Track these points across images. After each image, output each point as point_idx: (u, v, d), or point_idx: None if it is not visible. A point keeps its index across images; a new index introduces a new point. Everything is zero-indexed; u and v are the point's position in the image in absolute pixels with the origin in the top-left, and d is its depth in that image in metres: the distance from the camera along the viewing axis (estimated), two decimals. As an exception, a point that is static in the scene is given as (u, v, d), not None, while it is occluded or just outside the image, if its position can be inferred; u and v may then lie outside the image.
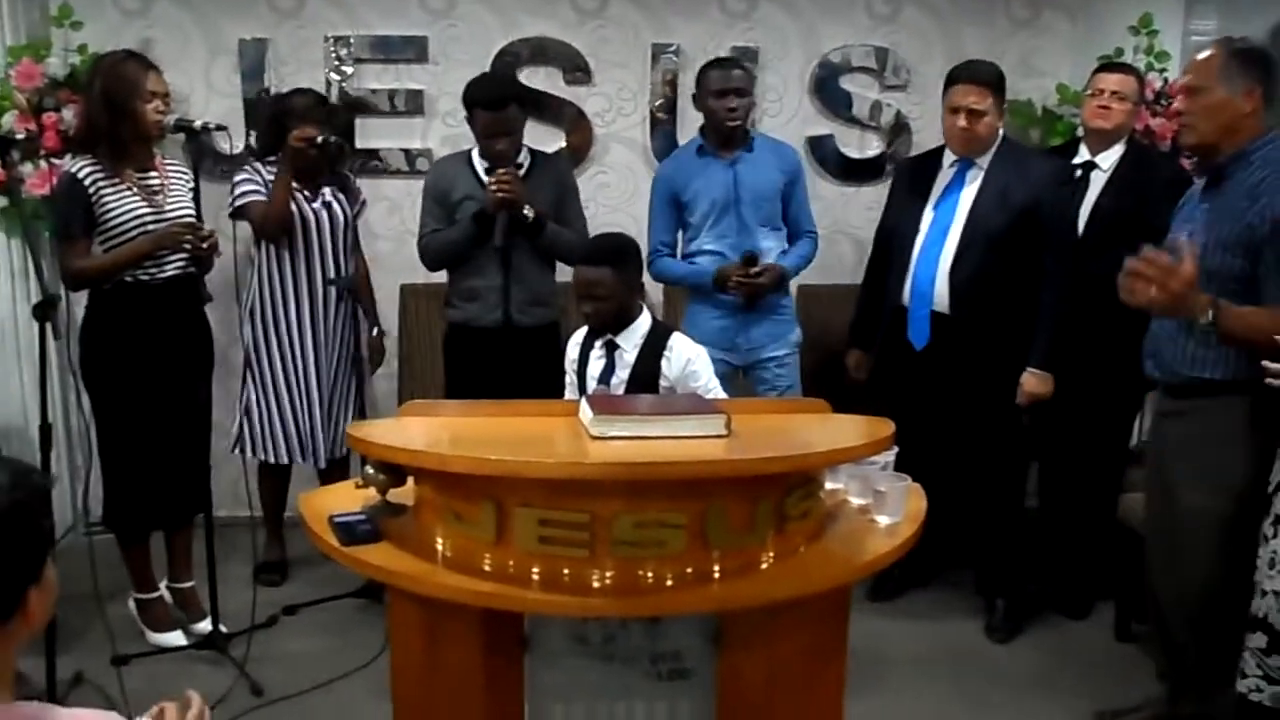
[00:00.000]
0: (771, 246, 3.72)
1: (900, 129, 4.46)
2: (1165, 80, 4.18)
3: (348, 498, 2.24)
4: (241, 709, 3.13)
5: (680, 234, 3.81)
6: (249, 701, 3.17)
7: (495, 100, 3.48)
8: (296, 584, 3.93)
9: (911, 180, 3.68)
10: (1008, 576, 3.68)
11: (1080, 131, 3.84)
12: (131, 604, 3.55)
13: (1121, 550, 3.45)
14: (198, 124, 3.23)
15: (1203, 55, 2.69)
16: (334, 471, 3.82)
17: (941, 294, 3.49)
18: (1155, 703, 3.06)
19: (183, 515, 3.54)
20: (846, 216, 4.46)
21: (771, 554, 2.04)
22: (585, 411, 2.11)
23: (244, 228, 3.70)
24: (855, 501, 2.28)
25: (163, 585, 3.61)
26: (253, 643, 3.39)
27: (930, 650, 3.56)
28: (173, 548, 3.61)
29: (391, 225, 4.29)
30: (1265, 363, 2.40)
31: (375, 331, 3.94)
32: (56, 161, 3.85)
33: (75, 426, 4.09)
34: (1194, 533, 2.73)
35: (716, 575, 1.98)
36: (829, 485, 2.28)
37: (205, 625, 3.47)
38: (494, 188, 3.40)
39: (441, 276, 3.81)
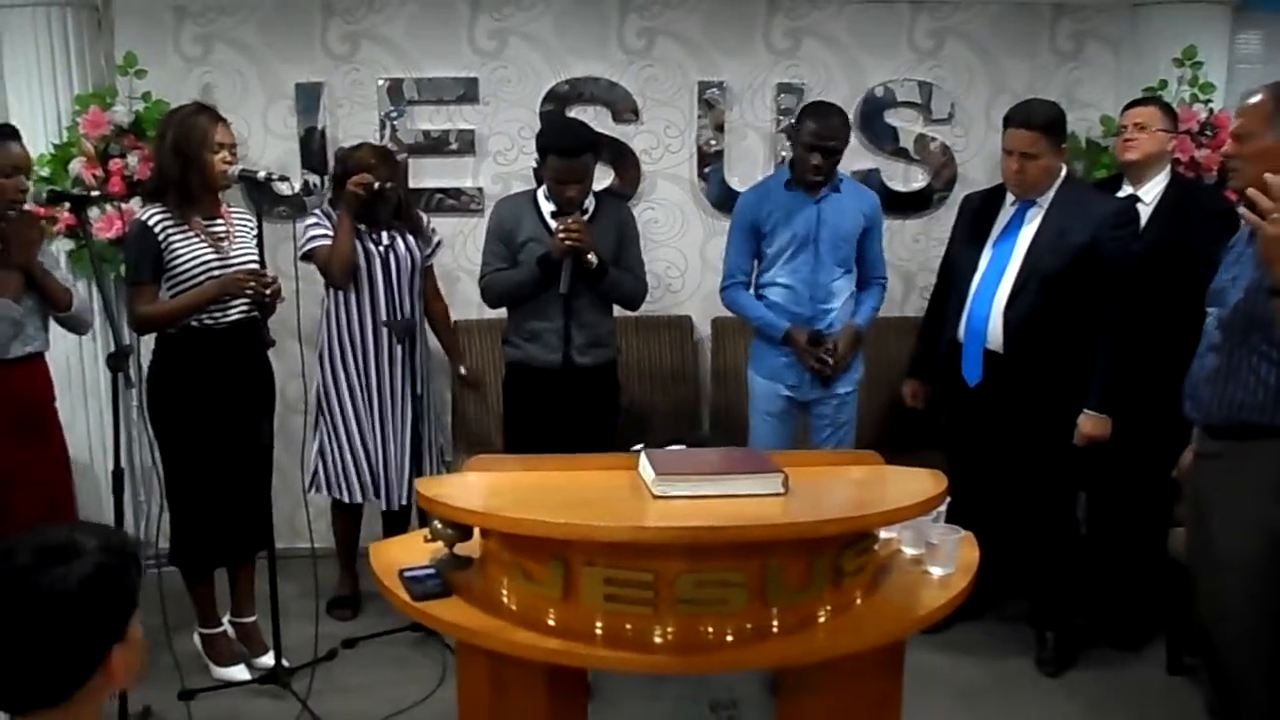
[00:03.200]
0: (842, 287, 3.78)
1: (945, 162, 4.49)
2: (1210, 111, 4.19)
3: (416, 550, 2.32)
4: (306, 743, 3.22)
5: (756, 263, 3.86)
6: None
7: (571, 148, 3.52)
8: (358, 616, 4.02)
9: (974, 217, 3.71)
10: (1059, 609, 3.70)
11: (1121, 166, 3.87)
12: (196, 638, 3.64)
13: (1172, 583, 3.46)
14: (261, 175, 3.33)
15: (1251, 101, 2.69)
16: (399, 511, 3.95)
17: (995, 332, 3.52)
18: (1207, 739, 3.08)
19: (246, 552, 3.64)
20: (894, 249, 4.49)
21: (829, 608, 2.09)
22: (646, 469, 2.18)
23: (306, 269, 3.80)
24: (909, 552, 2.33)
25: (225, 620, 3.71)
26: (314, 676, 3.48)
27: (981, 682, 3.59)
28: (236, 583, 3.70)
29: (446, 261, 4.37)
30: None
31: (463, 370, 4.06)
32: (124, 206, 3.98)
33: (139, 462, 4.21)
34: (1232, 574, 2.75)
35: (775, 630, 2.04)
36: (883, 535, 2.33)
37: (268, 659, 3.55)
38: (562, 235, 3.45)
39: (496, 312, 3.90)
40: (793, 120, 3.99)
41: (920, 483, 2.24)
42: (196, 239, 3.37)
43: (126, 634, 1.44)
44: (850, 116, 4.38)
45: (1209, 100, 4.21)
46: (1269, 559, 2.68)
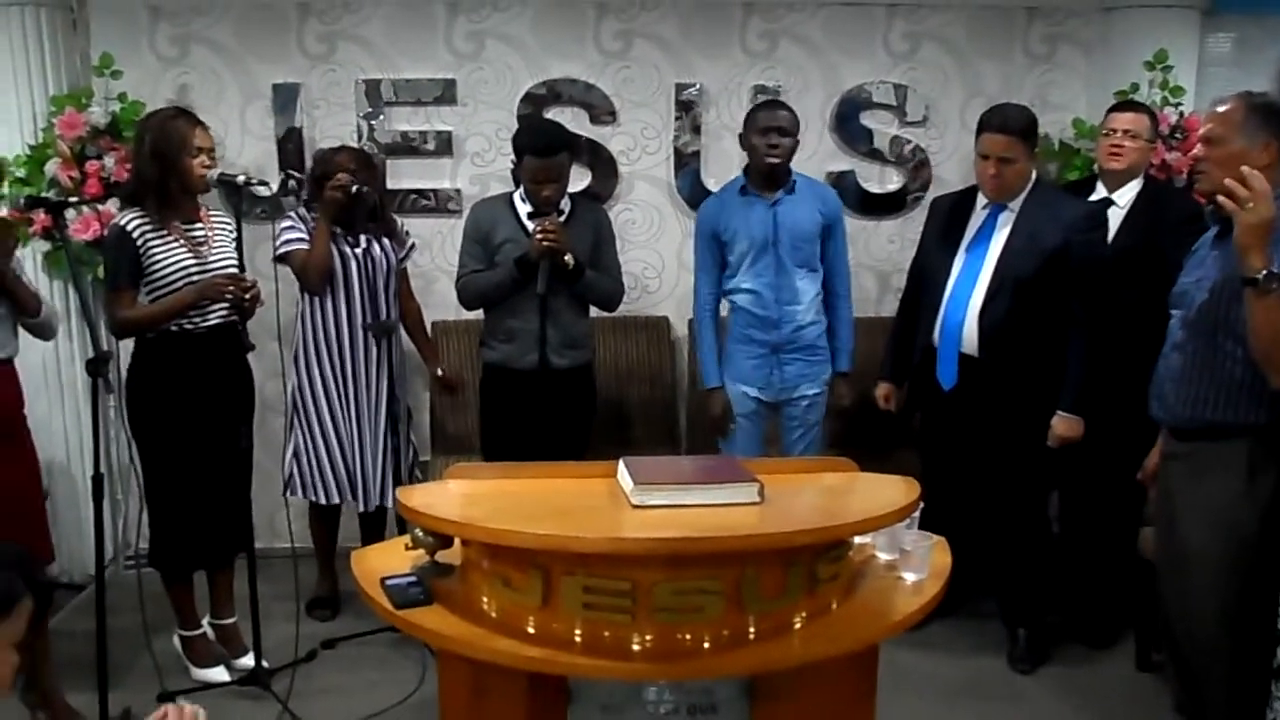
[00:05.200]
0: (806, 288, 3.81)
1: (920, 164, 4.54)
2: (1181, 114, 4.24)
3: (397, 557, 2.34)
4: (287, 744, 3.24)
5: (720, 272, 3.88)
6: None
7: (547, 148, 3.54)
8: (338, 617, 4.04)
9: (945, 220, 3.74)
10: (1031, 607, 3.76)
11: (1096, 169, 3.91)
12: (176, 640, 3.65)
13: (1141, 581, 3.52)
14: (240, 179, 3.33)
15: (1223, 108, 2.75)
16: (375, 513, 3.96)
17: (970, 337, 3.56)
18: (1174, 734, 3.14)
19: (225, 554, 3.65)
20: (869, 250, 4.55)
21: (804, 614, 2.13)
22: (625, 478, 2.21)
23: (285, 270, 3.80)
24: (883, 558, 2.37)
25: (205, 621, 3.72)
26: (294, 677, 3.50)
27: (954, 680, 3.64)
28: (215, 585, 3.71)
29: (423, 263, 4.39)
30: None
31: (439, 372, 4.06)
32: (100, 208, 3.97)
33: (116, 463, 4.21)
34: (1198, 572, 2.81)
35: (752, 637, 2.07)
36: (857, 541, 2.37)
37: (247, 660, 3.56)
38: (539, 236, 3.47)
39: (473, 314, 3.92)
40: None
41: (893, 490, 2.28)
42: (175, 243, 3.37)
43: None
44: (826, 118, 4.46)
45: (1179, 103, 4.26)
46: (1233, 557, 2.75)
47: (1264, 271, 2.49)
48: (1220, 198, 2.55)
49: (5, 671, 1.58)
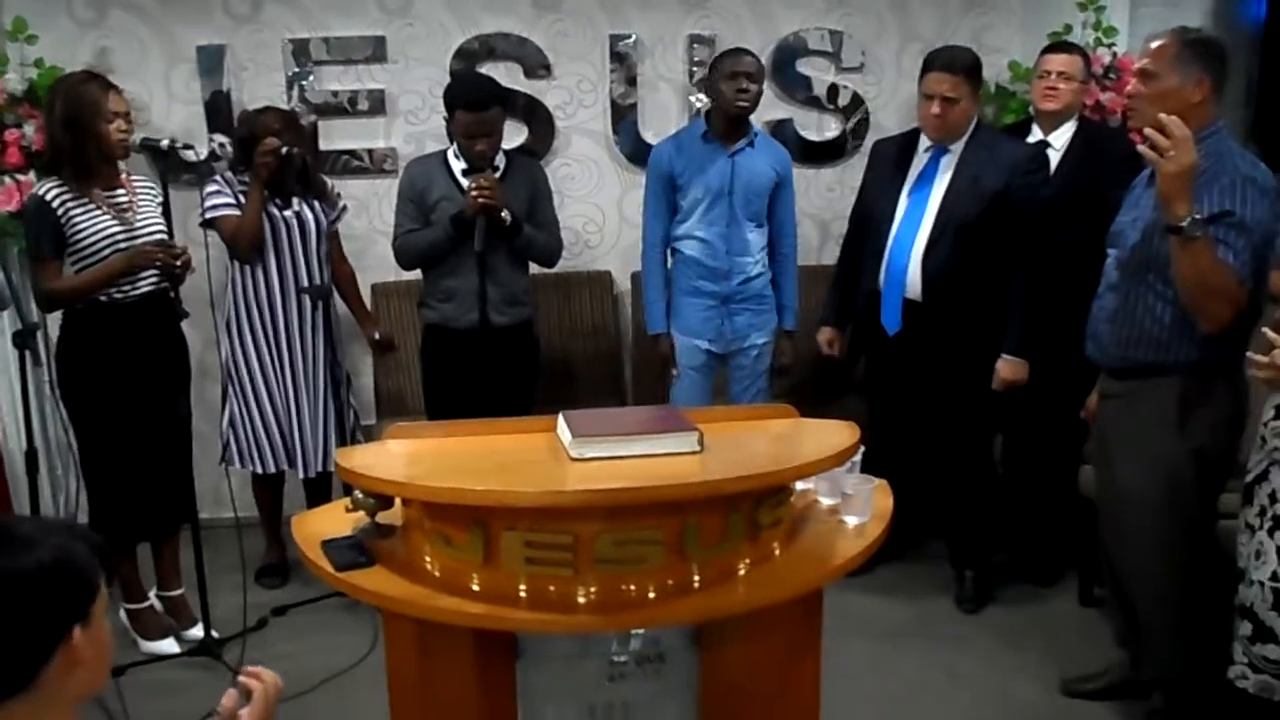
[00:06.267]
0: (755, 241, 3.81)
1: (858, 110, 4.53)
2: (1114, 55, 4.26)
3: (338, 520, 2.31)
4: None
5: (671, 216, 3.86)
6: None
7: (478, 101, 3.49)
8: (288, 584, 4.01)
9: (886, 164, 3.73)
10: (976, 548, 3.81)
11: (1032, 111, 3.93)
12: (122, 614, 3.60)
13: (1082, 519, 3.58)
14: (164, 143, 3.25)
15: (1157, 43, 2.75)
16: (320, 478, 3.92)
17: (914, 281, 3.57)
18: (1117, 667, 3.20)
19: (168, 526, 3.61)
20: (809, 198, 4.53)
21: (747, 561, 2.13)
22: (564, 431, 2.19)
23: (215, 237, 3.73)
24: (825, 502, 2.37)
25: (152, 594, 3.68)
26: (245, 646, 3.48)
27: (902, 623, 3.70)
28: (160, 557, 3.67)
29: (360, 225, 4.32)
30: (1249, 354, 2.51)
31: (378, 335, 4.00)
32: (21, 178, 3.86)
33: (54, 437, 4.13)
34: (1135, 510, 2.86)
35: (696, 585, 2.07)
36: (799, 486, 2.37)
37: (196, 631, 3.54)
38: (474, 193, 3.43)
39: (413, 275, 3.88)
40: (705, 73, 4.01)
41: (833, 435, 2.28)
42: (98, 211, 3.30)
43: (90, 615, 1.45)
44: (763, 66, 4.42)
45: (1112, 43, 4.28)
46: (1168, 492, 2.80)
47: (1188, 219, 2.51)
48: (1141, 147, 2.56)
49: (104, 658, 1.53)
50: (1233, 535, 2.76)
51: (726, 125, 3.74)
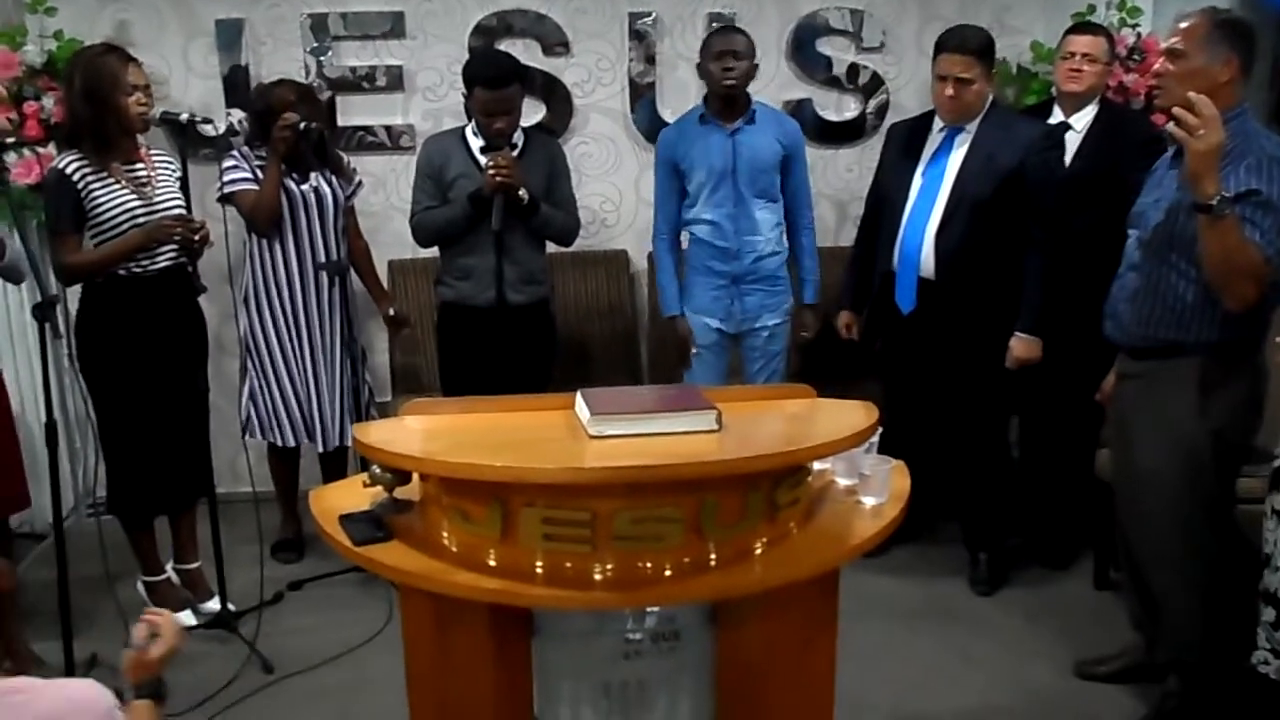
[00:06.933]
0: (766, 218, 3.77)
1: (877, 90, 4.49)
2: (1138, 35, 4.23)
3: (356, 495, 2.31)
4: (254, 686, 3.24)
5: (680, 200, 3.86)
6: (261, 679, 3.27)
7: (496, 79, 3.48)
8: (303, 559, 4.03)
9: (902, 145, 3.72)
10: (991, 531, 3.81)
11: (1054, 92, 3.90)
12: (140, 586, 3.63)
13: (1098, 502, 3.57)
14: (183, 117, 3.25)
15: (1187, 23, 2.74)
16: (336, 453, 3.93)
17: (928, 260, 3.55)
18: (1132, 650, 3.20)
19: (186, 499, 3.63)
20: (827, 179, 4.51)
21: (765, 540, 2.13)
22: (582, 409, 2.19)
23: (234, 212, 3.73)
24: (842, 482, 2.37)
25: (169, 567, 3.70)
26: (261, 619, 3.50)
27: (916, 604, 3.69)
28: (177, 530, 3.69)
29: (377, 201, 4.32)
30: (1277, 339, 2.50)
31: (392, 311, 3.99)
32: (41, 150, 3.87)
33: (73, 410, 4.15)
34: (1154, 490, 2.85)
35: (713, 564, 2.07)
36: (817, 466, 2.37)
37: (213, 604, 3.57)
38: (492, 171, 3.42)
39: (429, 252, 3.87)
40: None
41: (851, 415, 2.28)
42: (118, 185, 3.30)
43: None
44: (782, 46, 4.41)
45: (1136, 24, 4.25)
46: (1187, 474, 2.79)
47: (1217, 197, 2.50)
48: (1170, 126, 2.54)
49: None
50: (1254, 520, 2.75)
51: (721, 105, 3.72)
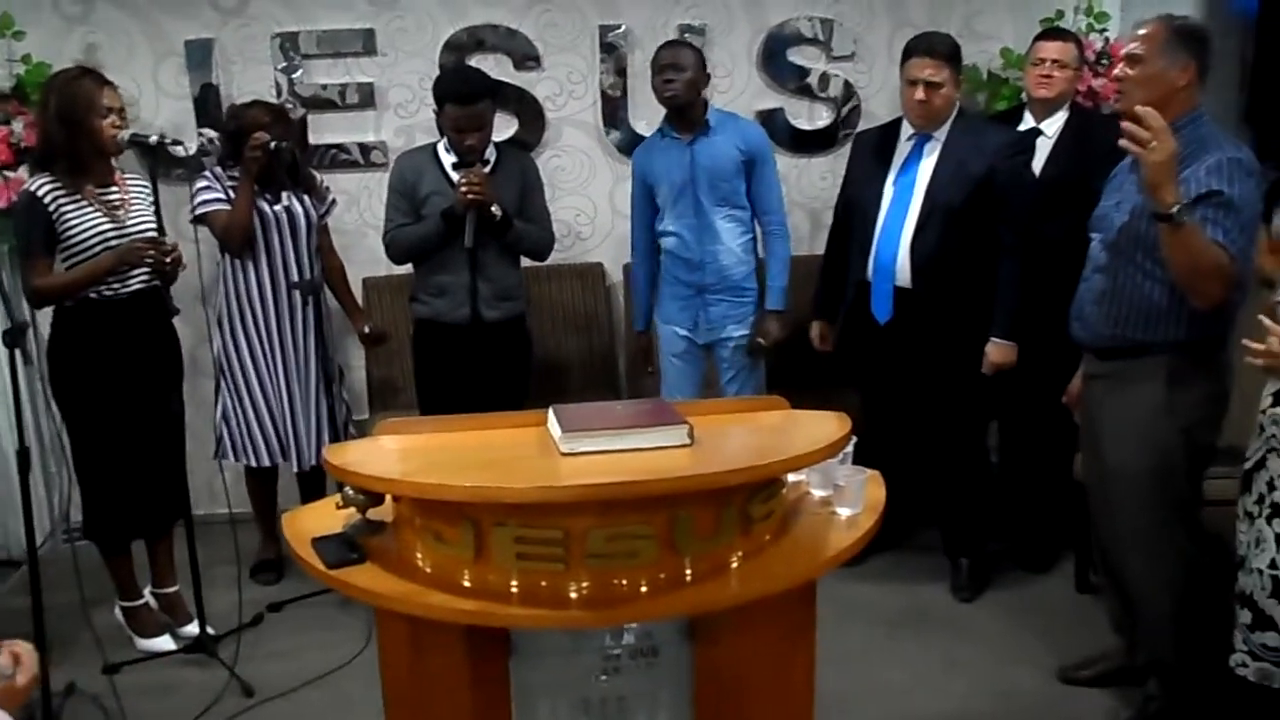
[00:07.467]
0: (729, 227, 3.77)
1: (849, 99, 4.50)
2: (1106, 40, 4.25)
3: (329, 517, 2.30)
4: (235, 709, 3.21)
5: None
6: (241, 703, 3.25)
7: (467, 95, 3.48)
8: (283, 580, 4.00)
9: (871, 154, 3.72)
10: (971, 536, 3.81)
11: (1024, 98, 3.91)
12: (118, 612, 3.61)
13: (1077, 505, 3.58)
14: (153, 139, 3.24)
15: (1145, 29, 2.77)
16: (313, 473, 3.91)
17: (903, 269, 3.56)
18: (1114, 654, 3.21)
19: (162, 523, 3.60)
20: (800, 188, 4.52)
21: (740, 554, 2.12)
22: (554, 425, 2.19)
23: (206, 232, 3.72)
24: (817, 494, 2.37)
25: (146, 591, 3.67)
26: (241, 643, 3.47)
27: (898, 611, 3.69)
28: (154, 554, 3.67)
29: (350, 219, 4.31)
30: (1245, 341, 2.51)
31: (367, 329, 3.97)
32: (10, 175, 3.85)
33: (47, 434, 4.12)
34: (1124, 489, 2.87)
35: (688, 579, 2.06)
36: (791, 478, 2.37)
37: (192, 629, 3.54)
38: (464, 189, 3.42)
39: (404, 269, 3.87)
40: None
41: (825, 426, 2.27)
42: (90, 208, 3.28)
43: None
44: (753, 56, 4.42)
45: (1104, 29, 4.26)
46: (1158, 473, 2.80)
47: (1176, 206, 2.52)
48: (1123, 141, 2.57)
49: None
50: (1226, 522, 2.76)
51: (675, 118, 3.74)
